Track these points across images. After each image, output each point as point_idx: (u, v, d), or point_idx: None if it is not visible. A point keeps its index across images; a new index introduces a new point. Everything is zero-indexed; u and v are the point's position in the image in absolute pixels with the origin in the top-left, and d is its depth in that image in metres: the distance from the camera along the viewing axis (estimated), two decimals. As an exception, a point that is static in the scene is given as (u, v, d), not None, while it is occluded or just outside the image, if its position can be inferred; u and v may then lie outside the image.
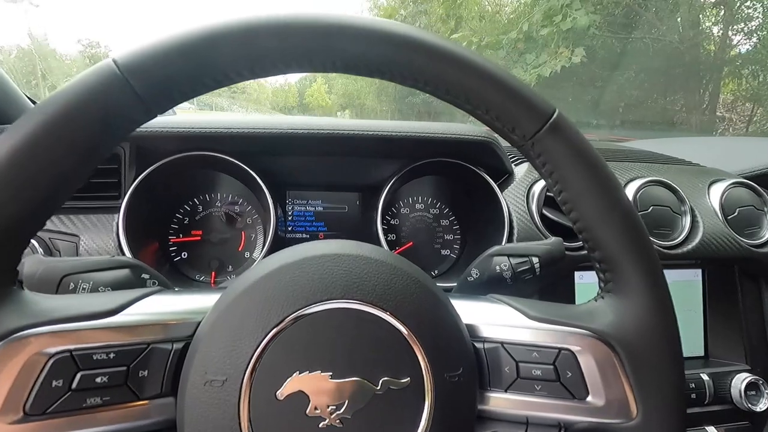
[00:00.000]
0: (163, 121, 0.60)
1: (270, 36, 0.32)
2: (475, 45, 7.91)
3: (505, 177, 0.77)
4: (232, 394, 0.30)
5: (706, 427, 0.71)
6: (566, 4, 6.10)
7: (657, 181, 0.77)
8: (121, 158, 0.63)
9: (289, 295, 0.33)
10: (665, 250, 0.72)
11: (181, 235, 0.77)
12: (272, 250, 0.71)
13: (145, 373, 0.33)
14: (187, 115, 0.69)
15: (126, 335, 0.33)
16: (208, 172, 0.75)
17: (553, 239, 0.54)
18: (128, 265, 0.46)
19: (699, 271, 0.81)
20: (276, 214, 0.70)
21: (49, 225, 0.61)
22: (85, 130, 0.30)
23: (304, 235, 0.83)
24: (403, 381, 0.33)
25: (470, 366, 0.37)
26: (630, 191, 0.75)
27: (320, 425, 0.31)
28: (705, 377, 0.72)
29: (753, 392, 0.71)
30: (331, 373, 0.32)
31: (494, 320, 0.40)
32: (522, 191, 0.74)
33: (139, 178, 0.62)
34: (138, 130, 0.61)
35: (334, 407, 0.32)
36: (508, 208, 0.71)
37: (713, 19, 8.01)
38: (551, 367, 0.37)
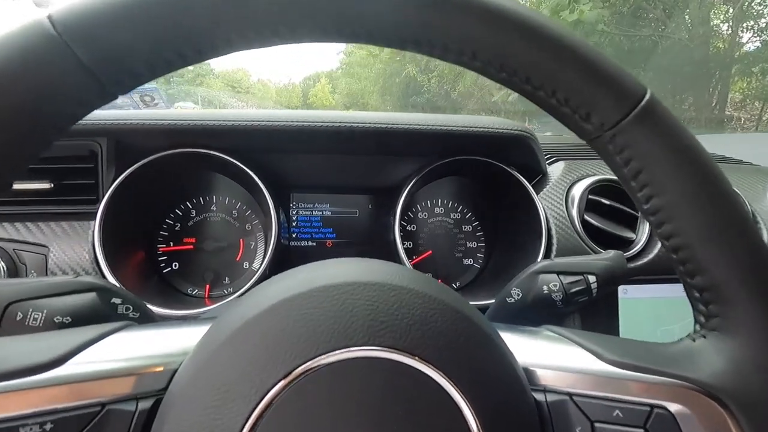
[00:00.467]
0: (146, 113, 0.51)
1: None
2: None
3: (538, 178, 0.68)
4: (215, 485, 0.22)
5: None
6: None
7: (609, 179, 0.66)
8: (98, 156, 0.54)
9: (294, 341, 0.24)
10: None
11: (171, 244, 0.69)
12: (274, 260, 0.62)
13: (98, 448, 0.24)
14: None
15: (72, 395, 0.25)
16: (202, 172, 0.67)
17: (612, 253, 0.45)
18: (93, 288, 0.37)
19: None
20: (278, 219, 0.61)
21: (13, 234, 0.53)
22: (8, 115, 0.21)
23: (310, 243, 0.75)
24: (449, 456, 0.24)
25: (532, 427, 0.28)
26: (577, 192, 0.65)
27: None
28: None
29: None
30: (352, 453, 0.23)
31: (558, 363, 0.31)
32: (560, 194, 0.64)
33: (119, 179, 0.54)
34: (116, 122, 0.53)
35: (359, 501, 0.23)
36: (545, 213, 0.61)
37: (722, 17, 7.88)
38: (641, 431, 0.28)
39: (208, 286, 0.68)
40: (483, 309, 0.54)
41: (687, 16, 7.71)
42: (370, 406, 0.24)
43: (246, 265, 0.70)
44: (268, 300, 0.26)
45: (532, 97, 0.28)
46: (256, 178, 0.58)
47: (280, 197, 0.73)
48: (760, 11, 7.35)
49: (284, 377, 0.23)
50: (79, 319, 0.36)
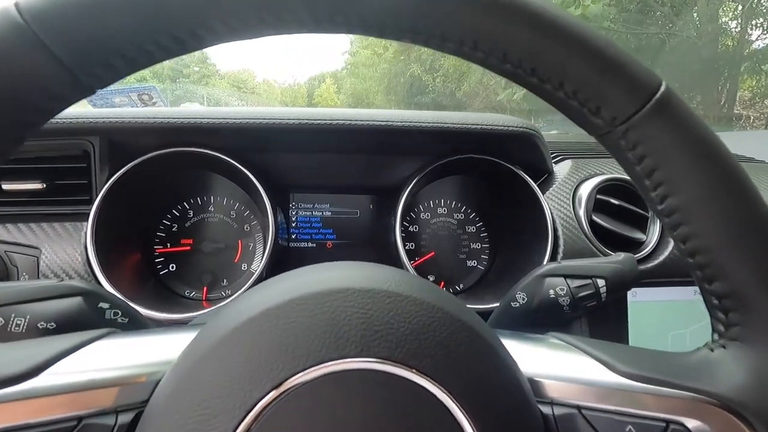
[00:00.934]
0: (140, 111, 0.50)
1: None
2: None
3: (544, 177, 0.66)
4: None
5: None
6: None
7: (618, 179, 0.64)
8: (90, 155, 0.53)
9: (281, 352, 0.22)
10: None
11: (168, 245, 0.67)
12: (272, 261, 0.60)
13: (73, 466, 0.23)
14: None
15: (46, 408, 0.23)
16: (199, 172, 0.65)
17: (622, 256, 0.43)
18: (80, 292, 0.36)
19: (692, 289, 0.67)
20: (276, 220, 0.60)
21: (4, 235, 0.51)
22: None
23: (310, 244, 0.73)
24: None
25: (538, 442, 0.26)
26: (584, 192, 0.63)
27: None
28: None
29: None
30: (345, 472, 0.22)
31: (566, 374, 0.29)
32: (566, 194, 0.62)
33: (113, 178, 0.52)
34: (109, 120, 0.52)
35: None
36: (552, 214, 0.59)
37: (731, 14, 7.78)
38: (656, 448, 0.26)
39: (205, 289, 0.67)
40: (487, 313, 0.52)
41: (695, 14, 7.61)
42: (364, 422, 0.22)
43: (244, 266, 0.69)
44: (255, 307, 0.24)
45: (538, 91, 0.26)
46: (254, 179, 0.57)
47: (280, 197, 0.72)
48: (770, 8, 7.24)
49: (271, 391, 0.22)
50: (64, 324, 0.34)
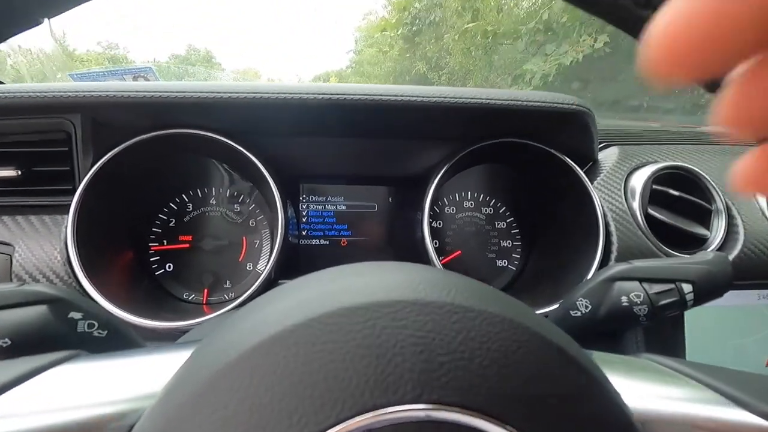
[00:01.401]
0: (126, 85, 0.42)
1: None
2: (491, 33, 7.64)
3: (588, 165, 0.58)
4: None
5: None
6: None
7: (676, 167, 0.56)
8: (71, 137, 0.46)
9: (306, 395, 0.15)
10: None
11: (165, 242, 0.60)
12: (280, 260, 0.53)
13: None
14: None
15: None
16: (198, 159, 0.58)
17: (712, 254, 0.35)
18: (45, 299, 0.28)
19: (756, 293, 0.58)
20: (285, 214, 0.52)
21: (-27, 230, 0.44)
22: None
23: (323, 242, 0.66)
24: None
25: None
26: (637, 182, 0.55)
27: None
28: None
29: None
30: None
31: (685, 412, 0.22)
32: (616, 184, 0.54)
33: (97, 165, 0.45)
34: (91, 94, 0.42)
35: None
36: (602, 207, 0.51)
37: None
38: None
39: (206, 291, 0.59)
40: None
41: None
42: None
43: (249, 266, 0.62)
44: (265, 328, 0.17)
45: None
46: (261, 166, 0.49)
47: (288, 189, 0.65)
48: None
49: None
50: (23, 341, 0.27)
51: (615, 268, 0.35)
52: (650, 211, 0.52)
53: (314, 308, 0.17)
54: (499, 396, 0.16)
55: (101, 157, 0.46)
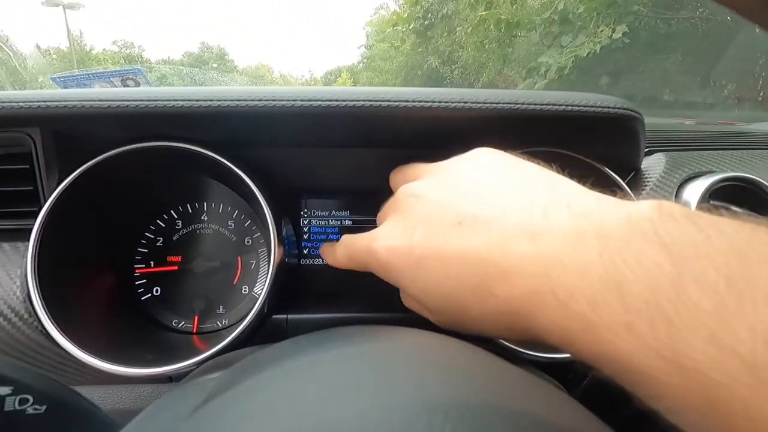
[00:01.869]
0: (89, 93, 0.36)
1: None
2: (504, 23, 7.45)
3: (631, 176, 0.50)
4: None
5: None
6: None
7: (738, 178, 0.48)
8: (31, 153, 0.40)
9: None
10: None
11: (152, 263, 0.54)
12: (276, 284, 0.46)
13: None
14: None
15: None
16: (182, 174, 0.52)
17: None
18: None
19: None
20: (279, 232, 0.46)
21: None
22: None
23: (325, 261, 0.59)
24: None
25: None
26: (691, 196, 0.47)
27: None
28: None
29: None
30: None
31: None
32: (665, 197, 0.47)
33: (61, 186, 0.39)
34: (48, 104, 0.32)
35: None
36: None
37: (771, -5, 7.29)
38: None
39: (196, 318, 0.53)
40: (544, 363, 0.38)
41: (731, -4, 7.14)
42: None
43: (245, 289, 0.55)
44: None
45: None
46: (249, 181, 0.43)
47: (289, 203, 0.58)
48: (813, -12, 6.74)
49: None
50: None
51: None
52: (708, 231, 0.44)
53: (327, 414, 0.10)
54: None
55: (68, 175, 0.40)
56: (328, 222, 0.59)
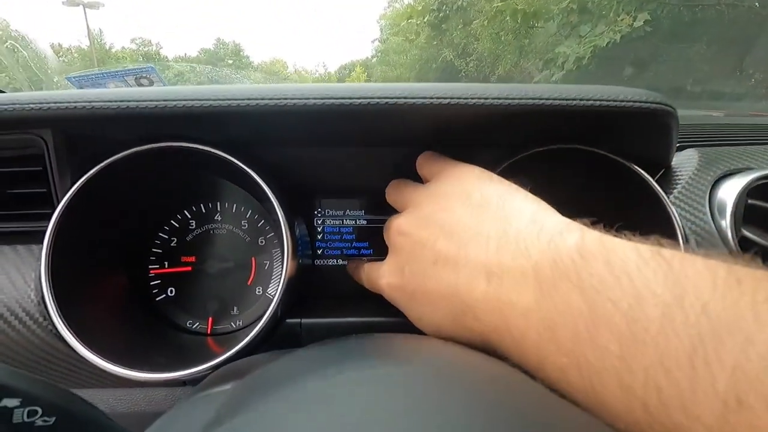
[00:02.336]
0: (97, 93, 0.35)
1: None
2: (521, 13, 7.30)
3: (660, 173, 0.48)
4: None
5: None
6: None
7: None
8: (44, 155, 0.39)
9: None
10: None
11: (166, 264, 0.54)
12: (291, 285, 0.45)
13: None
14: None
15: None
16: (194, 173, 0.51)
17: None
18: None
19: None
20: (291, 233, 0.45)
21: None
22: None
23: (341, 262, 0.58)
24: None
25: None
26: (727, 195, 0.44)
27: None
28: None
29: None
30: None
31: None
32: (698, 198, 0.44)
33: (75, 186, 0.39)
34: (58, 105, 0.32)
35: None
36: (683, 228, 0.41)
37: (800, -20, 6.99)
38: None
39: (210, 320, 0.53)
40: None
41: (759, -19, 6.86)
42: None
43: (259, 290, 0.55)
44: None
45: None
46: (260, 181, 0.42)
47: (302, 203, 0.57)
48: None
49: None
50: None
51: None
52: (745, 232, 0.41)
53: None
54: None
55: (81, 176, 0.39)
56: (343, 222, 0.58)
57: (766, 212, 0.42)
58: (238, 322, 0.54)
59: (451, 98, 0.36)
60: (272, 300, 0.44)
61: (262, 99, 0.36)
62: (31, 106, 0.35)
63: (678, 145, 0.51)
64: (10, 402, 0.23)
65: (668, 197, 0.43)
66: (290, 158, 0.50)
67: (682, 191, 0.45)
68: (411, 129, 0.43)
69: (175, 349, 0.47)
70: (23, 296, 0.38)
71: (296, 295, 0.49)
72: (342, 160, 0.52)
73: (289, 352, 0.31)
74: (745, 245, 0.41)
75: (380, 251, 0.57)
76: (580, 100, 0.35)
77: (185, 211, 0.55)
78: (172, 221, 0.54)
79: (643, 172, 0.42)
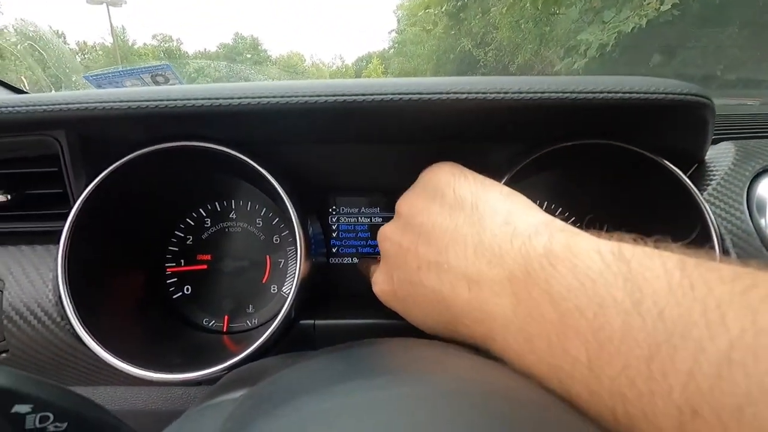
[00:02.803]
0: (110, 93, 0.35)
1: None
2: (541, 0, 7.10)
3: (693, 168, 0.45)
4: None
5: None
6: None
7: None
8: (59, 155, 0.39)
9: None
10: None
11: (182, 262, 0.54)
12: (305, 284, 0.45)
13: None
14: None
15: None
16: (208, 172, 0.51)
17: None
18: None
19: None
20: (305, 231, 0.44)
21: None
22: None
23: (354, 260, 0.57)
24: None
25: None
26: (766, 192, 0.41)
27: None
28: None
29: None
30: None
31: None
32: (735, 195, 0.41)
33: (90, 186, 0.39)
34: (72, 106, 0.33)
35: None
36: (718, 227, 0.39)
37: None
38: None
39: (226, 318, 0.53)
40: None
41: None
42: None
43: (274, 288, 0.54)
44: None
45: None
46: (272, 179, 0.41)
47: (317, 201, 0.56)
48: None
49: None
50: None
51: None
52: (787, 232, 0.39)
53: None
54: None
55: (95, 176, 0.39)
56: (357, 219, 0.57)
57: (810, 210, 0.39)
58: (253, 320, 0.54)
59: (468, 93, 0.35)
60: (287, 298, 0.44)
61: (273, 97, 0.35)
62: (43, 107, 0.35)
63: (714, 137, 0.48)
64: (22, 408, 0.23)
65: (702, 194, 0.40)
66: (304, 156, 0.49)
67: (717, 188, 0.42)
68: (426, 126, 0.41)
69: (191, 349, 0.48)
70: (41, 296, 0.39)
71: (311, 293, 0.49)
72: (356, 157, 0.50)
73: (301, 357, 0.30)
74: (786, 246, 0.39)
75: (396, 249, 0.56)
76: (609, 92, 0.32)
77: (200, 210, 0.55)
78: (187, 219, 0.54)
79: (674, 167, 0.40)
